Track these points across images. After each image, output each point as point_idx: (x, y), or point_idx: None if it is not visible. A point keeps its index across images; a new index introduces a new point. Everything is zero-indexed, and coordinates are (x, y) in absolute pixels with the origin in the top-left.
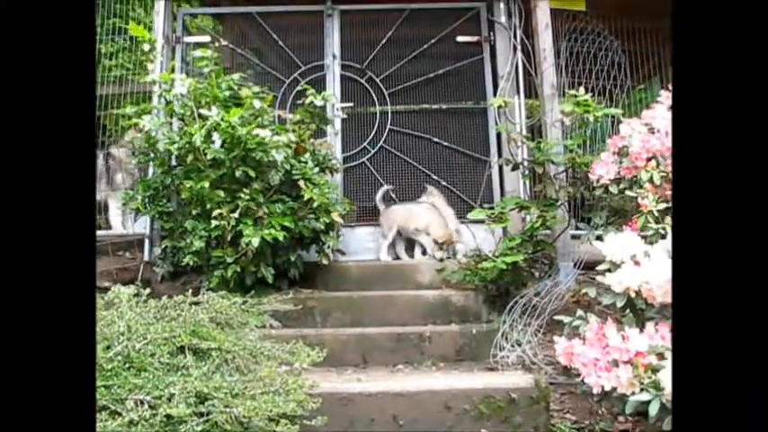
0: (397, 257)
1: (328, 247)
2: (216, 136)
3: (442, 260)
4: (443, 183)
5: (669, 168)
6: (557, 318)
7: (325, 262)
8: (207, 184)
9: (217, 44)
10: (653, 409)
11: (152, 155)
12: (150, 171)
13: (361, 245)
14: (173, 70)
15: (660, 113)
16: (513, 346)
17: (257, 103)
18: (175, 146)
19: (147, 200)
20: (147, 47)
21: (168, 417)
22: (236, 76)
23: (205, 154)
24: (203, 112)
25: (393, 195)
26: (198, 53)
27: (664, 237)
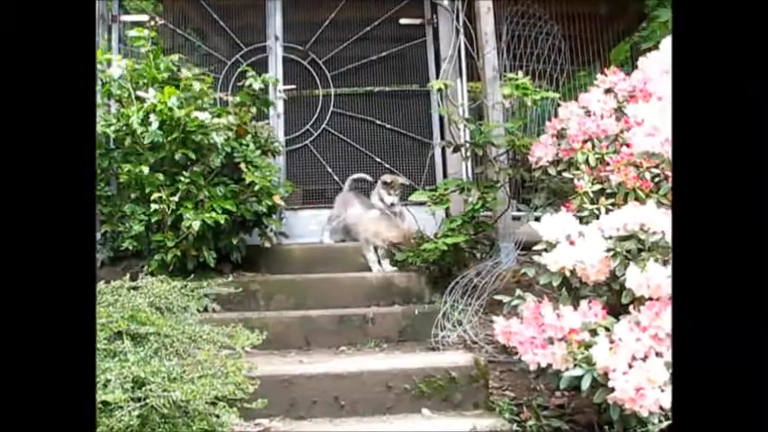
0: (342, 240)
1: (271, 230)
2: (153, 118)
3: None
4: (386, 165)
5: (604, 150)
6: (497, 297)
7: (267, 245)
8: (146, 168)
9: (154, 23)
10: (585, 384)
11: None
12: None
13: (305, 228)
14: (109, 50)
15: (596, 96)
16: (454, 325)
17: (196, 85)
18: (112, 128)
19: None
20: None
21: (104, 403)
22: (174, 57)
23: (143, 137)
24: (141, 94)
25: (369, 179)
26: (134, 32)
27: (598, 217)
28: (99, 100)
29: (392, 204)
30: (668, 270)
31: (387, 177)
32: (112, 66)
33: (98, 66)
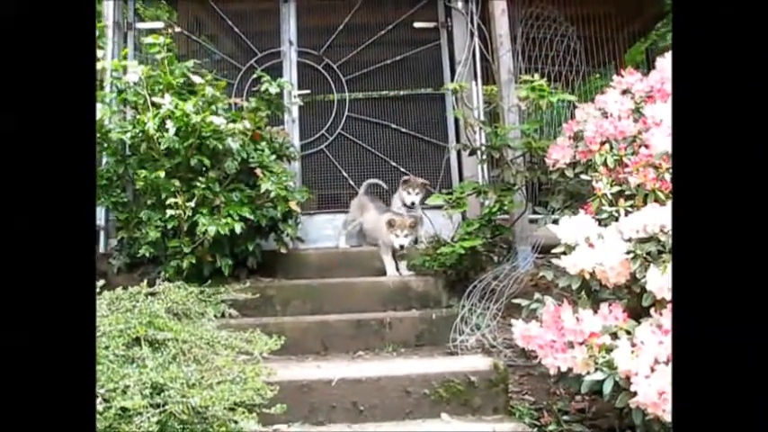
0: (358, 245)
1: (287, 235)
2: (170, 124)
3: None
4: (402, 169)
5: (622, 151)
6: (515, 301)
7: (283, 250)
8: (162, 174)
9: (170, 30)
10: (607, 388)
11: (105, 144)
12: (104, 161)
13: (321, 232)
14: (125, 57)
15: (612, 98)
16: (472, 330)
17: (210, 90)
18: (128, 135)
19: (100, 190)
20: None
21: (123, 409)
22: (189, 63)
23: (159, 143)
24: (156, 100)
25: (384, 185)
26: (149, 39)
27: (617, 219)
28: (115, 106)
29: (412, 204)
30: None
31: (406, 177)
32: (128, 73)
33: (114, 72)
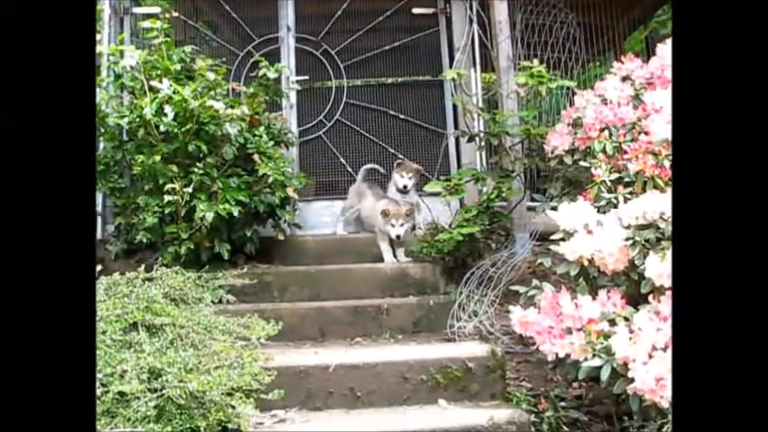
0: (356, 231)
1: (285, 221)
2: (168, 109)
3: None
4: (400, 156)
5: (622, 138)
6: (513, 288)
7: (281, 237)
8: (159, 159)
9: (167, 15)
10: (604, 374)
11: (102, 129)
12: (101, 146)
13: (319, 219)
14: (122, 42)
15: (612, 84)
16: (469, 316)
17: (210, 75)
18: (126, 120)
19: (97, 176)
20: None
21: (121, 394)
22: (187, 48)
23: (157, 128)
24: (154, 84)
25: (381, 170)
26: (146, 24)
27: (616, 206)
28: (112, 92)
29: (405, 187)
30: None
31: (399, 160)
32: (125, 57)
33: (111, 57)
